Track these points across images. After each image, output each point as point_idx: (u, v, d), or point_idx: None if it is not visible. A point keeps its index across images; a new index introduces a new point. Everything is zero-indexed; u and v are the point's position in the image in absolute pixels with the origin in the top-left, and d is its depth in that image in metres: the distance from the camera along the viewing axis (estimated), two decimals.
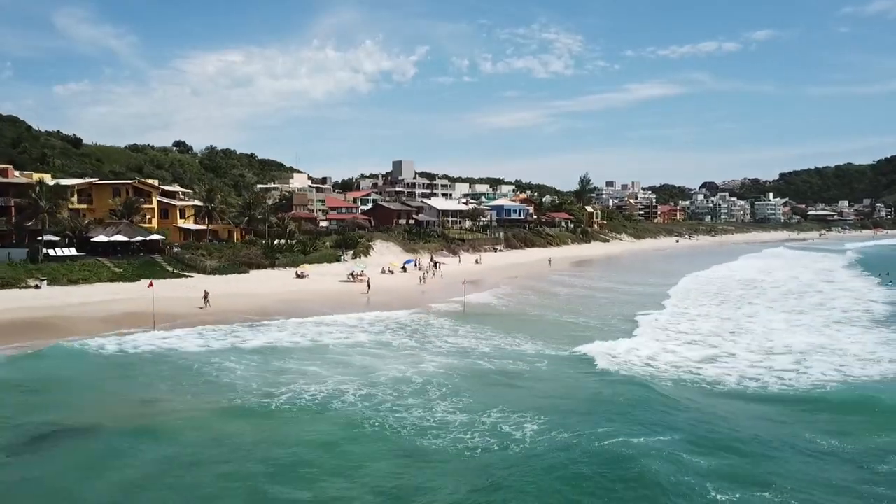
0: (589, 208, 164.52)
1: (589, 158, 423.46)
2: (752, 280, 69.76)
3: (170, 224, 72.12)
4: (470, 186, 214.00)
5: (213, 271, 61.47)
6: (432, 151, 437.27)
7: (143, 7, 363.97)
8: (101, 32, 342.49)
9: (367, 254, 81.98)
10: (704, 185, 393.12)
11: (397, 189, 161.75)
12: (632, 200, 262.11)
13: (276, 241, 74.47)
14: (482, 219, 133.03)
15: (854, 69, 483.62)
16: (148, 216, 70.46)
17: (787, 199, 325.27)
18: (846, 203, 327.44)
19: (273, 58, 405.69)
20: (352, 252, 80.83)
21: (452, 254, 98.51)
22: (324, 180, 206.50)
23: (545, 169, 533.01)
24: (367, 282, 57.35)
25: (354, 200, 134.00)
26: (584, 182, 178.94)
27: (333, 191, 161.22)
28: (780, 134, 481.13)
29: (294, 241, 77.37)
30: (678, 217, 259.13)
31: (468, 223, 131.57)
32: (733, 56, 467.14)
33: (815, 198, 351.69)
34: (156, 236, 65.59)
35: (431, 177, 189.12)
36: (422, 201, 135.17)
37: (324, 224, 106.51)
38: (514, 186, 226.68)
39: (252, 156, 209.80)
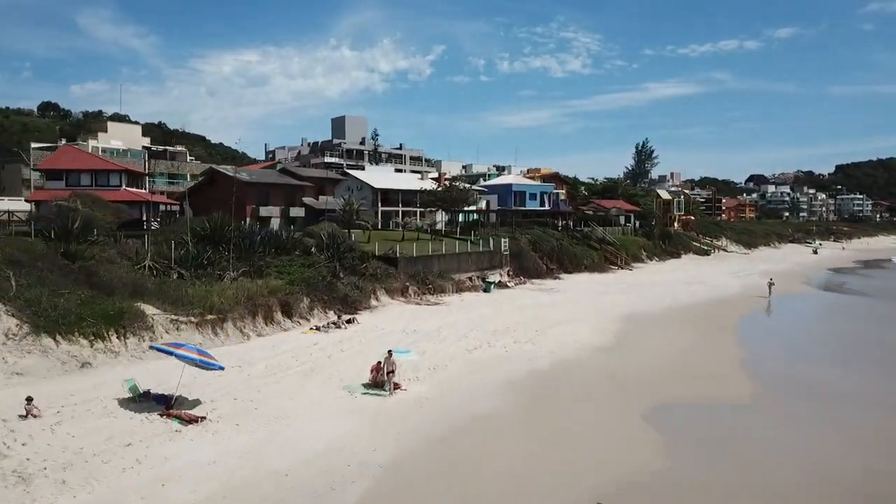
0: (664, 194, 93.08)
1: (606, 158, 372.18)
2: None
3: None
4: (464, 169, 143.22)
5: None
6: (445, 151, 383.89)
7: (165, 7, 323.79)
8: (124, 32, 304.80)
9: None
10: (752, 177, 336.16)
11: (327, 160, 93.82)
12: (687, 191, 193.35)
13: None
14: (467, 208, 63.75)
15: (879, 67, 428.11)
16: None
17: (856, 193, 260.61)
18: None
19: (289, 57, 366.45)
20: None
21: (346, 308, 30.24)
22: (260, 165, 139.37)
23: (560, 167, 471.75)
24: None
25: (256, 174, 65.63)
26: (645, 153, 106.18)
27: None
28: (802, 132, 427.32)
29: None
30: (748, 213, 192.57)
31: (440, 217, 62.98)
32: (755, 54, 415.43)
33: (882, 192, 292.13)
34: None
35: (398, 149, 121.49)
36: (344, 172, 66.69)
37: (21, 213, 38.52)
38: (526, 169, 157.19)
39: (161, 125, 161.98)
